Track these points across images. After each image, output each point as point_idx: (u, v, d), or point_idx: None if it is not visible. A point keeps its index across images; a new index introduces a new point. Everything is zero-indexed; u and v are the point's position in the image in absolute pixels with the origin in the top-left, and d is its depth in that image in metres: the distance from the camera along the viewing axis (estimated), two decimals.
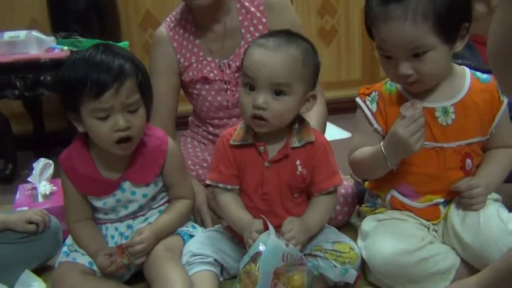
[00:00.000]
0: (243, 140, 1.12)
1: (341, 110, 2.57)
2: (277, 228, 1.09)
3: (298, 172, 1.11)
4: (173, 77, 1.52)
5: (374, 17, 1.06)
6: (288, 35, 1.09)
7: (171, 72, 1.51)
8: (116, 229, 1.23)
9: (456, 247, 1.10)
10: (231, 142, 1.13)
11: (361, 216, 1.31)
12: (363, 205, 1.29)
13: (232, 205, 1.13)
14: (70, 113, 1.14)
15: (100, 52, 1.10)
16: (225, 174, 1.14)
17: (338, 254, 1.11)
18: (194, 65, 1.51)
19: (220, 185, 1.14)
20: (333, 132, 2.52)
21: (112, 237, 1.23)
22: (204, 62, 1.50)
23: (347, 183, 1.38)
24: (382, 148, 1.08)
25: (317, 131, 1.18)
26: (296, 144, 1.11)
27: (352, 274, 1.07)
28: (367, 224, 1.18)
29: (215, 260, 1.14)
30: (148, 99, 1.18)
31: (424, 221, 1.15)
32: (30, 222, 1.24)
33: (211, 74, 1.49)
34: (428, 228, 1.15)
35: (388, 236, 1.09)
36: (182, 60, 1.51)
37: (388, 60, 1.08)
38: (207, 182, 1.18)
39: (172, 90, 1.52)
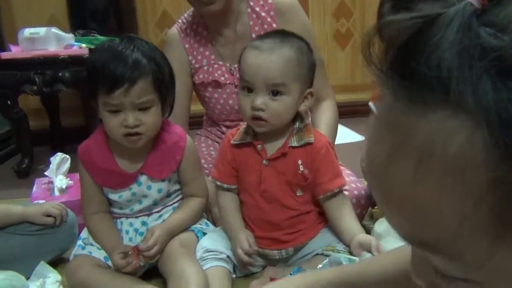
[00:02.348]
0: (242, 139, 1.16)
1: (355, 113, 2.57)
2: (278, 231, 1.13)
3: (299, 172, 1.13)
4: (185, 78, 1.53)
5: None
6: (282, 35, 1.11)
7: (184, 73, 1.52)
8: (131, 224, 1.25)
9: None
10: (231, 141, 1.17)
11: (374, 218, 1.31)
12: (376, 207, 1.30)
13: (228, 210, 1.20)
14: (91, 99, 1.16)
15: (122, 46, 1.12)
16: (223, 173, 1.19)
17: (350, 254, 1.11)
18: (205, 68, 1.52)
19: (219, 183, 1.20)
20: (347, 135, 2.52)
21: (127, 232, 1.25)
22: (215, 65, 1.51)
23: (360, 185, 1.38)
24: None
25: (319, 132, 1.20)
26: (295, 143, 1.13)
27: None
28: (380, 225, 1.18)
29: (227, 257, 1.16)
30: (168, 95, 1.18)
31: None
32: (48, 215, 1.26)
33: (222, 78, 1.50)
34: None
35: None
36: (193, 61, 1.52)
37: None
38: (210, 179, 1.23)
39: (185, 90, 1.53)
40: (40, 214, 1.25)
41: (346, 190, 1.34)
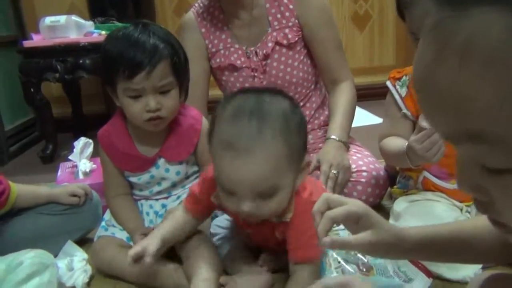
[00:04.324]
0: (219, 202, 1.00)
1: (373, 96, 2.56)
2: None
3: (276, 235, 1.01)
4: (203, 62, 1.54)
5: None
6: (258, 113, 0.83)
7: (201, 57, 1.53)
8: (151, 207, 1.28)
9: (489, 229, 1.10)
10: (211, 199, 1.02)
11: (393, 198, 1.32)
12: (394, 186, 1.30)
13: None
14: (107, 87, 1.18)
15: (138, 33, 1.13)
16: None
17: None
18: (222, 51, 1.52)
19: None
20: (365, 118, 2.51)
21: (147, 214, 1.28)
22: (232, 49, 1.51)
23: (378, 166, 1.38)
24: (405, 150, 1.07)
25: (299, 199, 0.96)
26: (274, 219, 0.96)
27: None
28: (399, 205, 1.18)
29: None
30: (184, 80, 1.20)
31: (457, 202, 1.15)
32: (74, 195, 1.30)
33: (238, 62, 1.50)
34: (461, 209, 1.15)
35: (420, 217, 1.10)
36: (210, 46, 1.53)
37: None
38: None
39: (202, 74, 1.54)
40: (66, 194, 1.29)
41: (365, 171, 1.35)
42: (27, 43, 2.24)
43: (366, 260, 0.97)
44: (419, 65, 0.40)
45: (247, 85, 1.51)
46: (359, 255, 0.98)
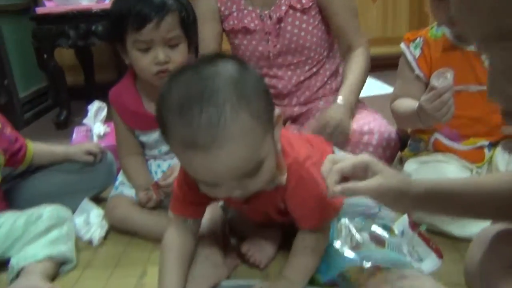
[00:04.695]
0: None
1: (386, 66, 2.54)
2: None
3: (278, 205, 0.95)
4: (215, 24, 1.54)
5: None
6: (201, 93, 0.70)
7: (213, 19, 1.53)
8: (159, 166, 1.31)
9: None
10: None
11: (403, 161, 1.33)
12: (405, 149, 1.31)
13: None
14: (117, 44, 1.20)
15: None
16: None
17: None
18: (235, 14, 1.51)
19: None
20: (378, 88, 2.51)
21: (155, 173, 1.31)
22: (245, 11, 1.50)
23: (390, 128, 1.39)
24: (416, 110, 1.07)
25: (294, 165, 0.88)
26: (268, 189, 0.88)
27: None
28: (409, 165, 1.20)
29: None
30: (193, 36, 1.22)
31: (467, 164, 1.16)
32: (89, 154, 1.33)
33: (252, 25, 1.49)
34: (472, 171, 1.16)
35: (430, 177, 1.11)
36: (223, 8, 1.52)
37: (440, 2, 1.07)
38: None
39: (215, 36, 1.54)
40: (82, 152, 1.32)
41: (376, 132, 1.35)
42: (40, 10, 2.25)
43: (380, 234, 0.96)
44: None
45: (260, 48, 1.51)
46: (374, 226, 0.97)
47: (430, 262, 0.93)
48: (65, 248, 1.08)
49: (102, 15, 2.16)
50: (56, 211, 1.10)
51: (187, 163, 0.76)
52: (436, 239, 1.03)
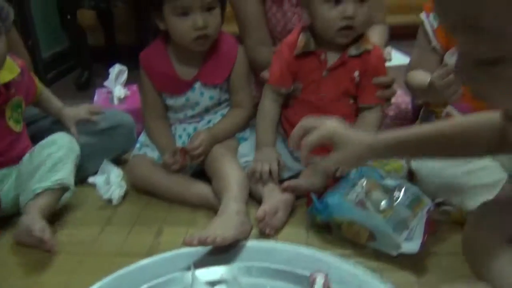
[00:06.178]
0: (306, 48, 1.18)
1: (405, 36, 2.51)
2: None
3: (355, 82, 1.18)
4: (259, 3, 1.47)
5: None
6: None
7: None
8: (184, 129, 1.35)
9: (506, 164, 1.13)
10: (295, 52, 1.19)
11: None
12: (416, 121, 1.33)
13: (265, 120, 1.26)
14: (153, 11, 1.23)
15: None
16: (282, 78, 1.22)
17: (385, 162, 1.17)
18: None
19: (276, 87, 1.24)
20: (398, 58, 2.48)
21: (180, 136, 1.35)
22: None
23: (407, 98, 1.40)
24: (428, 85, 1.07)
25: (376, 45, 1.22)
26: (354, 52, 1.17)
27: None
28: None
29: None
30: (223, 1, 1.25)
31: None
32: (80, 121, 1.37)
33: None
34: None
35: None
36: None
37: None
38: (268, 87, 1.26)
39: (262, 16, 1.48)
40: (73, 121, 1.36)
41: (394, 103, 1.37)
42: None
43: (385, 201, 1.03)
44: None
45: (289, 13, 1.46)
46: (398, 192, 1.04)
47: (412, 246, 0.95)
48: (62, 174, 1.15)
49: None
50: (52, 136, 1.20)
51: None
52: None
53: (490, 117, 0.77)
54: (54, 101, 1.38)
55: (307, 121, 0.92)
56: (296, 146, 0.92)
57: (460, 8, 0.42)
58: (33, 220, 1.05)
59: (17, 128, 1.21)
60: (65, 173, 1.17)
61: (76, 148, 1.24)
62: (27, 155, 1.20)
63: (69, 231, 1.16)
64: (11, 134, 1.20)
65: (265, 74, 1.27)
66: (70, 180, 1.18)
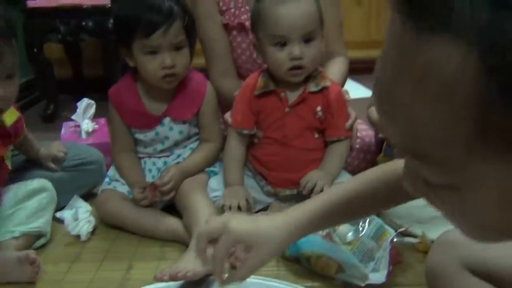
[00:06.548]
0: (265, 87, 1.24)
1: (368, 70, 2.61)
2: (293, 173, 1.24)
3: (317, 116, 1.23)
4: (218, 17, 1.52)
5: None
6: None
7: (215, 13, 1.51)
8: (154, 163, 1.36)
9: None
10: (254, 92, 1.24)
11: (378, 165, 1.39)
12: (380, 154, 1.38)
13: (231, 160, 1.29)
14: (122, 48, 1.26)
15: None
16: (244, 120, 1.26)
17: None
18: (232, 10, 1.52)
19: (239, 130, 1.27)
20: (360, 91, 2.58)
21: (150, 170, 1.36)
22: (242, 9, 1.51)
23: (370, 132, 1.45)
24: None
25: (333, 81, 1.27)
26: (313, 88, 1.22)
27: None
28: None
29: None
30: (192, 40, 1.29)
31: None
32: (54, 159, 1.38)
33: (247, 23, 1.49)
34: None
35: None
36: (221, 4, 1.52)
37: None
38: (232, 129, 1.29)
39: (222, 30, 1.52)
40: (49, 159, 1.37)
41: (358, 137, 1.42)
42: (31, 3, 2.27)
43: (351, 233, 1.08)
44: (381, 65, 0.39)
45: (252, 47, 1.53)
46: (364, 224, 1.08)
47: (379, 276, 0.99)
48: (41, 222, 1.19)
49: (93, 11, 2.20)
50: (38, 181, 1.21)
51: (273, 15, 1.15)
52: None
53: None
54: (34, 144, 1.37)
55: (208, 227, 0.76)
56: (203, 256, 0.77)
57: (400, 139, 0.40)
58: (11, 253, 1.07)
59: (9, 165, 1.23)
60: (44, 221, 1.21)
61: (56, 197, 1.27)
62: (10, 194, 1.20)
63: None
64: (5, 171, 1.22)
65: (228, 118, 1.30)
66: (47, 228, 1.23)
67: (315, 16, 1.18)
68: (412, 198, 0.64)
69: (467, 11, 0.31)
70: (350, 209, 0.76)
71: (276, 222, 0.75)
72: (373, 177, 0.75)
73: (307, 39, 1.17)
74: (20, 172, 1.28)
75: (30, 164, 1.37)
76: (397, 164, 0.62)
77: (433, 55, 0.33)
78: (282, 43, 1.17)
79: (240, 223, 0.74)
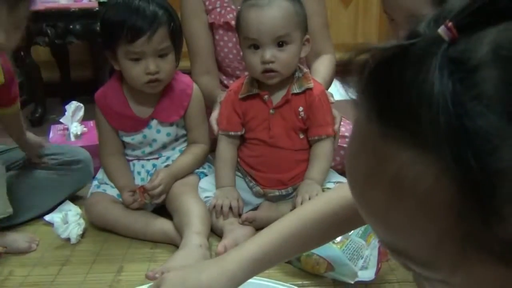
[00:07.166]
0: (249, 91, 1.25)
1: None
2: (281, 174, 1.25)
3: (300, 117, 1.24)
4: (204, 16, 1.53)
5: None
6: None
7: (202, 11, 1.53)
8: (143, 166, 1.36)
9: None
10: (239, 95, 1.26)
11: None
12: None
13: (222, 162, 1.29)
14: (107, 52, 1.26)
15: (137, 2, 1.20)
16: (231, 123, 1.27)
17: None
18: (218, 9, 1.53)
19: (226, 132, 1.28)
20: (345, 93, 2.59)
21: (139, 173, 1.36)
22: (228, 8, 1.52)
23: None
24: None
25: (316, 81, 1.29)
26: (296, 90, 1.24)
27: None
28: None
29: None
30: (178, 45, 1.29)
31: None
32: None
33: (233, 22, 1.48)
34: None
35: None
36: (207, 3, 1.53)
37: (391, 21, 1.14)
38: (220, 132, 1.30)
39: (206, 29, 1.54)
40: (37, 148, 1.37)
41: (347, 137, 1.44)
42: None
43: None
44: (351, 163, 0.35)
45: (238, 46, 1.54)
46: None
47: (368, 274, 1.01)
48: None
49: (80, 14, 2.19)
50: None
51: (246, 18, 1.18)
52: None
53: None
54: (23, 128, 1.36)
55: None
56: None
57: (381, 237, 0.36)
58: None
59: None
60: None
61: (4, 171, 1.24)
62: None
63: (26, 272, 1.13)
64: None
65: (213, 124, 1.32)
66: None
67: (289, 20, 1.18)
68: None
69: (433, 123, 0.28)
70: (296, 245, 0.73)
71: (221, 271, 0.70)
72: (318, 213, 0.72)
73: (281, 43, 1.18)
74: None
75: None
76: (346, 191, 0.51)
77: (405, 166, 0.30)
78: (256, 46, 1.19)
79: (178, 276, 0.69)
